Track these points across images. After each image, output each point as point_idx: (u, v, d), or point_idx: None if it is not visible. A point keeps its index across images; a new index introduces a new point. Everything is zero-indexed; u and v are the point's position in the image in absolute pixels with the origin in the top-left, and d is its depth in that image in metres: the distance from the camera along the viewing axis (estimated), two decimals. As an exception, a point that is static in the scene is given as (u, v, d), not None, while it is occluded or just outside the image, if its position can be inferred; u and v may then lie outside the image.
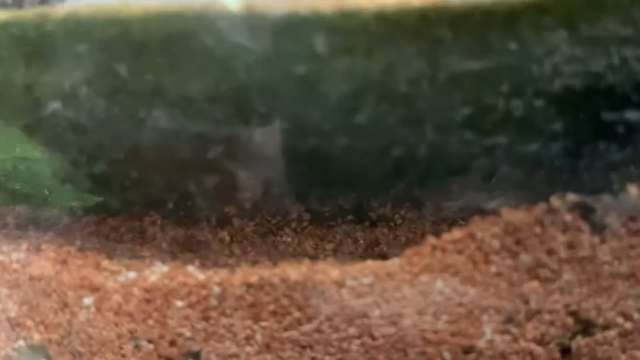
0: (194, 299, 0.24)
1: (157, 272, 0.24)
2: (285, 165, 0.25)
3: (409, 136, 0.20)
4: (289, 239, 0.32)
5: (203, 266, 0.26)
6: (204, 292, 0.23)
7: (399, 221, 0.30)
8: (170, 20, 0.20)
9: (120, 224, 0.31)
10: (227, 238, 0.32)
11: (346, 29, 0.19)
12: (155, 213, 0.31)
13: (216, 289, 0.23)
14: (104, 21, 0.20)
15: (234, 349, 0.24)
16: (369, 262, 0.23)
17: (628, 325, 0.22)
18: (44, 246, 0.26)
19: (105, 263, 0.25)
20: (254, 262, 0.26)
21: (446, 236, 0.22)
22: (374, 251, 0.30)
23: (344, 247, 0.31)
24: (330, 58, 0.19)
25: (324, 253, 0.30)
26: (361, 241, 0.31)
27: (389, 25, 0.19)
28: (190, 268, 0.24)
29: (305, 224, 0.32)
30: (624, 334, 0.22)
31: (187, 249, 0.30)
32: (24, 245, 0.26)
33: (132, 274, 0.24)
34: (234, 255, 0.29)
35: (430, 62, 0.19)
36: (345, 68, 0.19)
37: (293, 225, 0.32)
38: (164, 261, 0.26)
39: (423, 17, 0.19)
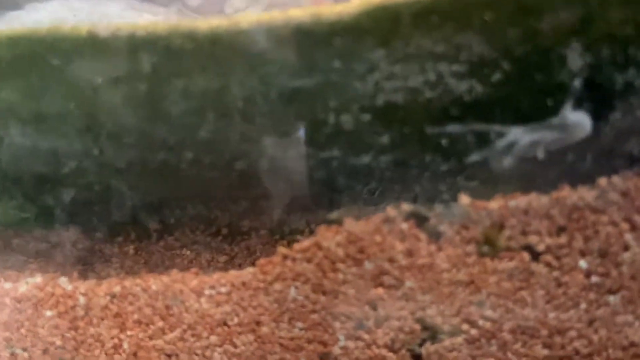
0: (62, 308, 0.24)
1: (30, 282, 0.25)
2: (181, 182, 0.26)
3: (249, 151, 0.21)
4: (188, 252, 0.33)
5: (83, 277, 0.27)
6: (70, 302, 0.24)
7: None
8: (19, 43, 0.21)
9: (31, 239, 0.32)
10: (132, 252, 0.33)
11: (181, 50, 0.20)
12: (74, 228, 0.32)
13: (82, 299, 0.24)
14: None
15: (103, 358, 0.25)
16: (230, 272, 0.24)
17: (474, 332, 0.23)
18: None
19: (-13, 275, 0.26)
20: (136, 274, 0.27)
21: (296, 245, 0.23)
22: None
23: (237, 259, 0.32)
24: (166, 77, 0.20)
25: (215, 265, 0.32)
26: (258, 253, 0.32)
27: (222, 45, 0.20)
28: (62, 279, 0.25)
29: (220, 238, 0.33)
30: (471, 341, 0.23)
31: (83, 261, 0.31)
32: None
33: (8, 285, 0.25)
34: (123, 267, 0.30)
35: (261, 80, 0.20)
36: (182, 87, 0.20)
37: (207, 239, 0.33)
38: (45, 272, 0.27)
39: (250, 37, 0.20)
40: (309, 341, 0.24)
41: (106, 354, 0.25)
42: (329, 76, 0.20)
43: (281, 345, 0.24)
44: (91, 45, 0.21)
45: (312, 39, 0.20)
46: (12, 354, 0.25)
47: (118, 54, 0.21)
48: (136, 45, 0.21)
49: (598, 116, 0.20)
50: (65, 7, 0.38)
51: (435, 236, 0.22)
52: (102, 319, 0.24)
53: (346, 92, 0.20)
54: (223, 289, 0.23)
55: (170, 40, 0.20)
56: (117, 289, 0.24)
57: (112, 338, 0.24)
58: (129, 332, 0.24)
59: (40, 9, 0.37)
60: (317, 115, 0.21)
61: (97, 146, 0.22)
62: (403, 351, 0.23)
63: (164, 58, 0.20)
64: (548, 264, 0.22)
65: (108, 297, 0.24)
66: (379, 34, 0.20)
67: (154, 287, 0.23)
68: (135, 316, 0.24)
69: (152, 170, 0.23)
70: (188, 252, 0.34)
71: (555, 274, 0.22)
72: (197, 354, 0.24)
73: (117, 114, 0.21)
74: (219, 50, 0.20)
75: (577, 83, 0.20)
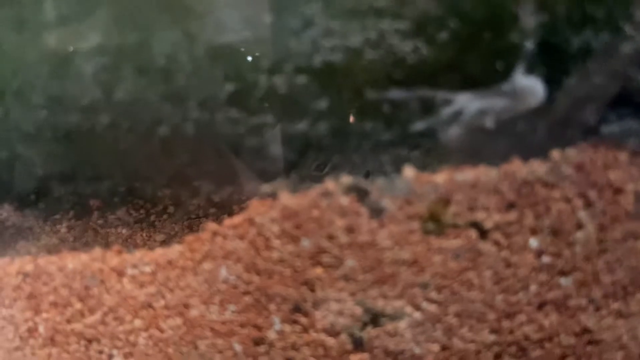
0: (-30, 288, 0.23)
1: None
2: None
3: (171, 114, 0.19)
4: (124, 231, 0.31)
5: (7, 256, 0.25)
6: (-21, 282, 0.23)
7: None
8: None
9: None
10: (64, 230, 0.31)
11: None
12: (9, 204, 0.31)
13: (-9, 278, 0.22)
14: None
15: (17, 342, 0.23)
16: (155, 250, 0.22)
17: (417, 315, 0.22)
18: None
19: None
20: (57, 252, 0.25)
21: (227, 221, 0.21)
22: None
23: (175, 237, 0.31)
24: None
25: (150, 244, 0.30)
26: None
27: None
28: (-27, 257, 0.23)
29: (165, 217, 0.32)
30: (414, 325, 0.22)
31: (13, 238, 0.29)
32: None
33: None
34: (50, 245, 0.28)
35: (185, 35, 0.19)
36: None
37: (152, 218, 0.31)
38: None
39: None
40: (242, 325, 0.22)
41: (21, 337, 0.23)
42: (260, 31, 0.19)
43: (212, 329, 0.22)
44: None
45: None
46: None
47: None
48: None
49: (552, 82, 0.19)
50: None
51: (377, 212, 0.20)
52: (15, 300, 0.22)
53: (279, 50, 0.19)
54: (147, 268, 0.21)
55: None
56: (29, 267, 0.22)
57: (26, 321, 0.22)
58: (44, 315, 0.22)
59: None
60: (247, 75, 0.19)
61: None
62: (343, 335, 0.22)
63: (74, 6, 0.19)
64: (496, 243, 0.20)
65: (20, 276, 0.22)
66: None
67: (70, 266, 0.22)
68: (51, 297, 0.22)
69: (64, 136, 0.21)
70: (124, 231, 0.32)
71: (504, 253, 0.21)
72: (120, 339, 0.22)
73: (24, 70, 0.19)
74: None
75: (529, 45, 0.18)
